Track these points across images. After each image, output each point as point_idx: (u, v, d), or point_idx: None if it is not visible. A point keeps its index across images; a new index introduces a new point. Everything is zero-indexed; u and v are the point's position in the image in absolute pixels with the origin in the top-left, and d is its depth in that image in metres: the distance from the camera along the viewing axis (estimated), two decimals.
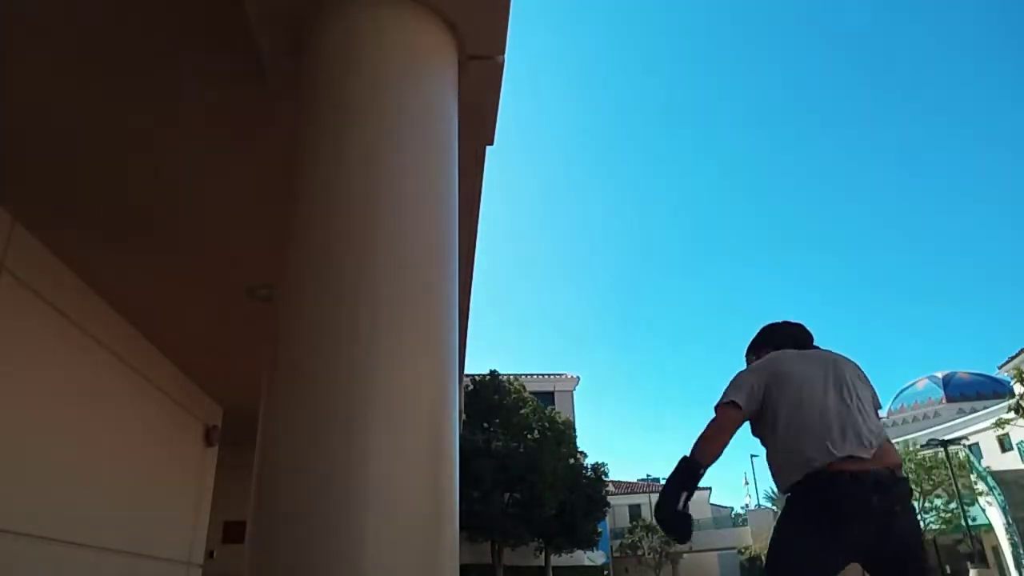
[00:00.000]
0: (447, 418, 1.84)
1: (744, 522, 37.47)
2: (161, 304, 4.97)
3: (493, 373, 22.57)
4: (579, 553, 23.95)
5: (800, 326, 2.72)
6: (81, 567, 4.60)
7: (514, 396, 21.94)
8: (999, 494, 23.40)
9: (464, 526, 18.43)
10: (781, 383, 2.35)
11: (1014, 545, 22.64)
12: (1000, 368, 24.69)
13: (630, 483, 38.74)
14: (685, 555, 33.42)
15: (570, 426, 23.22)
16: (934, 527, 23.64)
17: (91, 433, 4.79)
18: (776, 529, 2.29)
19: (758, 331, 2.75)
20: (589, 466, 23.01)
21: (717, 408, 2.36)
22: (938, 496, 23.53)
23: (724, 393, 2.38)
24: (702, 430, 2.32)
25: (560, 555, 22.82)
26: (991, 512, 24.24)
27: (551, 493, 19.97)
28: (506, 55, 2.49)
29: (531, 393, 23.12)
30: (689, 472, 2.26)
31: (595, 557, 26.09)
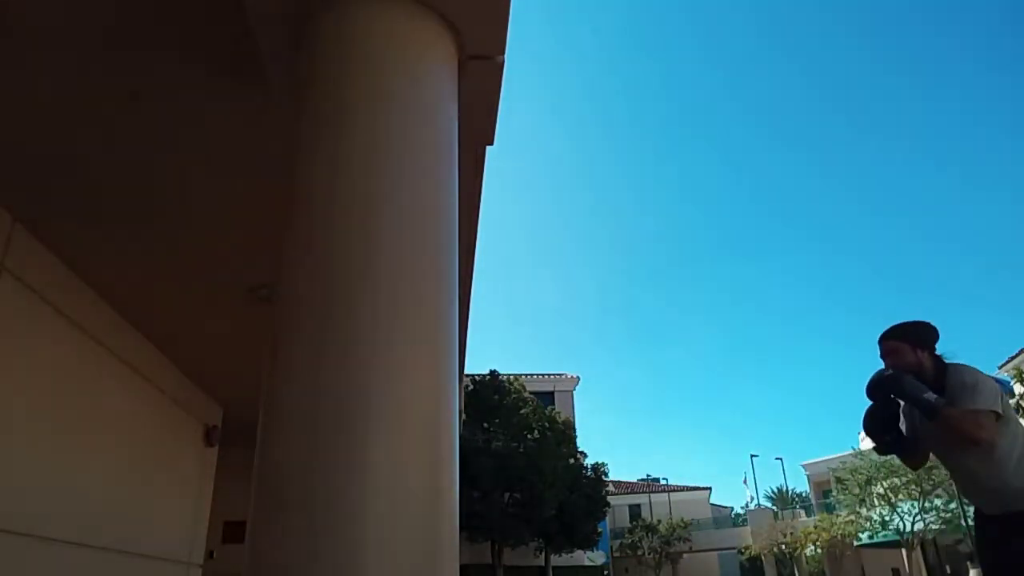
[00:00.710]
0: (447, 418, 1.84)
1: (744, 522, 37.44)
2: (161, 304, 4.97)
3: (493, 373, 22.58)
4: (579, 553, 23.96)
5: None
6: (80, 567, 4.60)
7: (514, 396, 21.95)
8: None
9: (464, 526, 18.45)
10: (1007, 407, 2.56)
11: None
12: (1000, 368, 24.64)
13: (630, 483, 38.78)
14: (685, 555, 33.43)
15: (570, 426, 23.24)
16: (934, 527, 23.65)
17: (91, 433, 4.79)
18: None
19: (927, 326, 2.84)
20: (589, 466, 23.02)
21: (981, 414, 2.48)
22: (938, 496, 23.50)
23: (981, 399, 2.50)
24: (964, 419, 2.48)
25: (560, 555, 22.83)
26: None
27: (551, 493, 19.98)
28: (506, 55, 2.49)
29: (531, 393, 23.12)
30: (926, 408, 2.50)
31: (595, 557, 26.09)
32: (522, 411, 21.37)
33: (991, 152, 70.52)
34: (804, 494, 39.76)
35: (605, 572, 27.41)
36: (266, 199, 3.48)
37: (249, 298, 4.63)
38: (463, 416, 11.98)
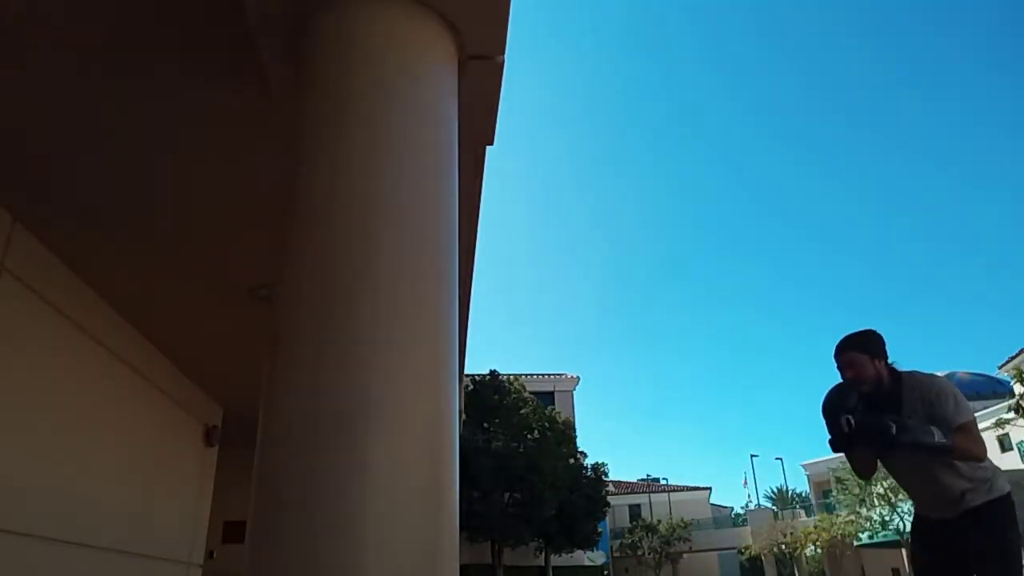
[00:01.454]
0: (447, 418, 1.84)
1: (744, 522, 37.46)
2: (161, 304, 4.97)
3: (493, 373, 22.59)
4: (579, 553, 23.95)
5: None
6: (80, 567, 4.60)
7: (514, 396, 21.95)
8: None
9: (464, 526, 18.45)
10: None
11: None
12: (1000, 368, 24.65)
13: (630, 483, 38.77)
14: (685, 555, 33.42)
15: (570, 426, 23.23)
16: None
17: (91, 433, 4.79)
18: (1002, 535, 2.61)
19: (877, 335, 2.85)
20: (589, 466, 23.01)
21: (973, 427, 2.61)
22: None
23: (964, 409, 2.61)
24: (976, 445, 2.60)
25: (560, 555, 22.83)
26: None
27: (551, 493, 19.98)
28: (506, 55, 2.49)
29: (531, 393, 23.13)
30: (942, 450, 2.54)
31: (595, 557, 26.08)
32: (522, 411, 21.37)
33: (991, 152, 70.62)
34: (804, 494, 39.81)
35: (605, 572, 27.40)
36: (266, 199, 3.48)
37: (249, 298, 4.63)
38: (463, 416, 11.96)
